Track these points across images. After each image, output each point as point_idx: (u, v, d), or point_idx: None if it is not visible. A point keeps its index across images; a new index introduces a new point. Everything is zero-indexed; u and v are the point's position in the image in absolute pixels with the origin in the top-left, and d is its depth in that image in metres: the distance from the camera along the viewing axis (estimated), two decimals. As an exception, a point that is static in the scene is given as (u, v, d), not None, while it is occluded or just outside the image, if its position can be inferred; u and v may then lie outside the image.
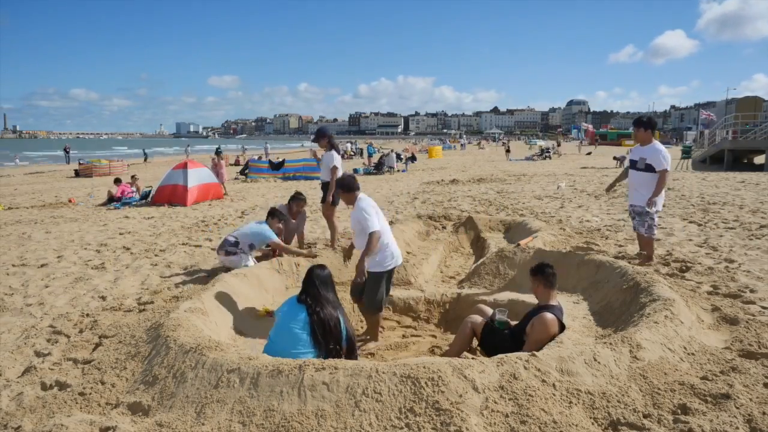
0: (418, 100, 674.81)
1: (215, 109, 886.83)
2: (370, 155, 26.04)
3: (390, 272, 4.71)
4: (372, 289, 4.51)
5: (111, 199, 13.57)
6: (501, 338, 3.86)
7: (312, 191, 16.26)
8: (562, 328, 3.76)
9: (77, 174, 25.89)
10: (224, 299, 4.74)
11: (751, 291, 4.91)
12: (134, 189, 14.17)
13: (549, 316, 3.66)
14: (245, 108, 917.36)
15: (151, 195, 13.73)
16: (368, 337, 4.73)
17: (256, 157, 28.23)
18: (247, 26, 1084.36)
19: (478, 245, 7.90)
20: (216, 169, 15.84)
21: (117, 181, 14.60)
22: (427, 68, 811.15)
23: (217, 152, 17.61)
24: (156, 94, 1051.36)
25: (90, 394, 3.31)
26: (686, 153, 26.55)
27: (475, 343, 4.17)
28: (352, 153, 41.79)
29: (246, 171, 22.64)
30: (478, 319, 4.08)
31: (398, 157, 29.80)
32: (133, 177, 15.00)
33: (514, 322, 4.03)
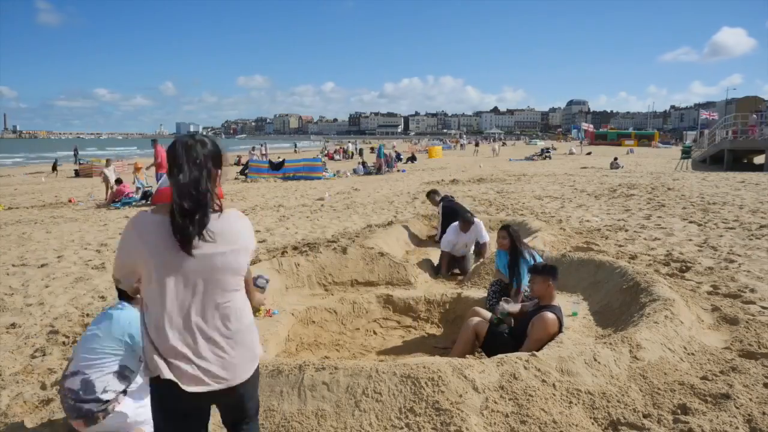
0: (444, 100, 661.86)
1: (232, 109, 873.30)
2: (379, 156, 26.13)
3: None
4: None
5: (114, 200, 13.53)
6: (503, 341, 3.86)
7: (312, 191, 16.27)
8: (561, 328, 3.76)
9: (77, 174, 25.89)
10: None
11: (751, 291, 4.91)
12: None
13: (550, 315, 3.66)
14: (262, 108, 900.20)
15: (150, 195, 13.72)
16: None
17: (255, 156, 28.23)
18: (282, 26, 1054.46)
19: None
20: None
21: (118, 181, 14.50)
22: (458, 68, 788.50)
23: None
24: (181, 93, 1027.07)
25: (90, 394, 3.31)
26: (686, 153, 26.55)
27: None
28: (352, 153, 41.74)
29: (246, 171, 22.63)
30: (478, 320, 4.07)
31: (398, 156, 29.82)
32: (117, 180, 14.66)
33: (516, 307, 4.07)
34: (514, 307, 4.04)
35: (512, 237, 4.84)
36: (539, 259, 4.79)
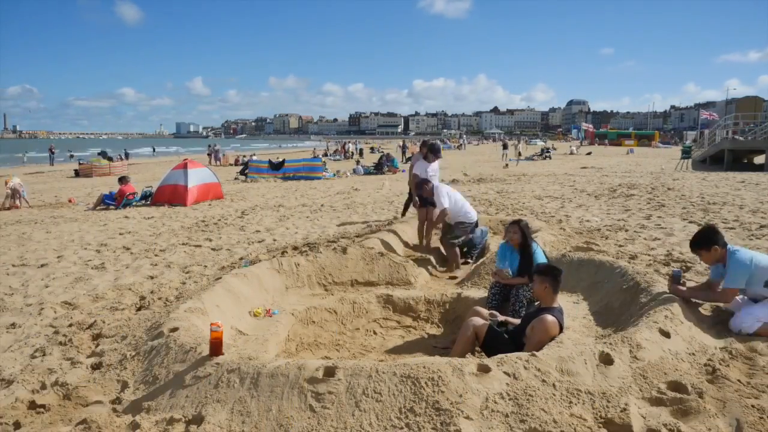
0: (474, 99, 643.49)
1: (249, 109, 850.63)
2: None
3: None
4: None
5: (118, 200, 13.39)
6: (503, 341, 3.86)
7: (312, 191, 16.27)
8: (561, 330, 3.76)
9: (77, 174, 25.90)
10: (224, 299, 4.74)
11: (751, 291, 4.90)
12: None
13: (549, 318, 3.66)
14: (278, 108, 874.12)
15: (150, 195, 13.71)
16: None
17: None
18: (325, 26, 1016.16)
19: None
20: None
21: (121, 180, 14.25)
22: (491, 68, 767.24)
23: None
24: (209, 92, 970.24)
25: (90, 394, 3.31)
26: (686, 153, 26.56)
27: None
28: (352, 153, 41.74)
29: (246, 171, 22.65)
30: (479, 321, 4.07)
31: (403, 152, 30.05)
32: (121, 179, 14.46)
33: (516, 321, 4.05)
34: (501, 318, 4.10)
35: (523, 232, 4.86)
36: (542, 258, 4.79)
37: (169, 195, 13.38)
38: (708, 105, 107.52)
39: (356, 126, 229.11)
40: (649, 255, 6.48)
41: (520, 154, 30.70)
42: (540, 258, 4.76)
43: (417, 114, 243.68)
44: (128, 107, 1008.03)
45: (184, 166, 14.00)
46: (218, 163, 32.80)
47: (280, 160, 23.25)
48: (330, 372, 2.97)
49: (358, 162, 26.52)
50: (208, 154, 34.93)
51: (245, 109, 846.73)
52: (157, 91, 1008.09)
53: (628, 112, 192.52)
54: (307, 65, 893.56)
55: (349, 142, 54.66)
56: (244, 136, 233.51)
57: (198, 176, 13.99)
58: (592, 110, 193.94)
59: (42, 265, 6.89)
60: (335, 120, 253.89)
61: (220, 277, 5.43)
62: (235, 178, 21.95)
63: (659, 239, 7.44)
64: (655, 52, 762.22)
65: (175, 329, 3.81)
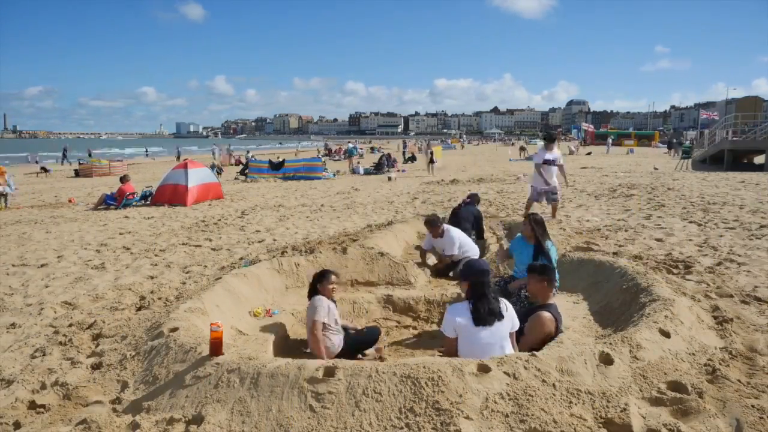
0: (496, 98, 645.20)
1: (260, 110, 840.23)
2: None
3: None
4: None
5: (117, 199, 13.35)
6: None
7: (312, 191, 16.27)
8: (559, 326, 3.77)
9: (77, 174, 25.91)
10: (224, 299, 4.74)
11: (751, 291, 4.90)
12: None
13: (545, 314, 3.67)
14: (289, 108, 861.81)
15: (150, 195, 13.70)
16: None
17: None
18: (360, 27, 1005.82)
19: (478, 245, 7.87)
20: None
21: (123, 179, 14.16)
22: (516, 68, 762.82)
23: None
24: (227, 91, 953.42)
25: (90, 394, 3.31)
26: (686, 153, 26.54)
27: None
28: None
29: (246, 171, 22.66)
30: None
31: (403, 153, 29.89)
32: (121, 179, 14.36)
33: None
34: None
35: (532, 225, 4.92)
36: (554, 257, 4.83)
37: (169, 195, 13.38)
38: (708, 105, 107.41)
39: (356, 126, 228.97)
40: (649, 255, 6.48)
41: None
42: (552, 256, 4.82)
43: (417, 114, 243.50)
44: (141, 107, 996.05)
45: (185, 166, 14.01)
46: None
47: (280, 160, 23.26)
48: (330, 372, 2.97)
49: (373, 163, 26.52)
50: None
51: (260, 109, 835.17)
52: (177, 91, 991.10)
53: (628, 112, 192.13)
54: (334, 64, 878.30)
55: (349, 142, 54.67)
56: (244, 136, 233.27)
57: (198, 176, 13.99)
58: (592, 110, 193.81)
59: (42, 265, 6.89)
60: (335, 120, 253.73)
61: (220, 277, 5.43)
62: (235, 178, 21.95)
63: (659, 239, 7.44)
64: (696, 51, 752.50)
65: (175, 329, 3.81)
